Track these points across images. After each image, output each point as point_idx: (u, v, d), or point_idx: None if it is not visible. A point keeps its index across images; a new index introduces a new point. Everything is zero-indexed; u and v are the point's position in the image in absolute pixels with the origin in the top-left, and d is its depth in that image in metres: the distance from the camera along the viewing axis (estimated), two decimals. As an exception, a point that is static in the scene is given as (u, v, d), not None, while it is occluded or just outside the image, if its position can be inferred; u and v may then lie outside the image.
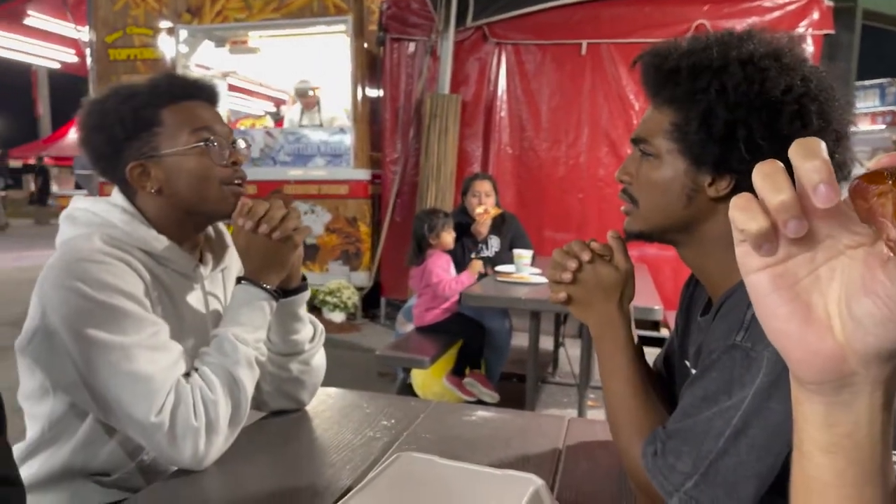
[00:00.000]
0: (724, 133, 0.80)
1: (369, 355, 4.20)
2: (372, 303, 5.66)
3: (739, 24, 3.97)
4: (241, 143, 1.20)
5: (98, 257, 1.03)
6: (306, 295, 1.23)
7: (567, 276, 0.97)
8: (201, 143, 1.13)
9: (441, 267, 3.39)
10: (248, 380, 1.08)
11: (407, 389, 3.45)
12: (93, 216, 1.12)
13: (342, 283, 5.32)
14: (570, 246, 0.98)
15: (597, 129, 4.91)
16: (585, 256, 0.96)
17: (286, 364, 1.23)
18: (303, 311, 1.23)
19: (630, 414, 0.92)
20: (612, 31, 4.77)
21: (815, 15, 4.42)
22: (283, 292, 1.17)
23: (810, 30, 4.42)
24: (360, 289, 5.45)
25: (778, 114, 0.78)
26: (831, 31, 4.45)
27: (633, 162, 0.93)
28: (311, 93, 5.87)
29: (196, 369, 1.06)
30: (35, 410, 1.12)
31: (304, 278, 1.23)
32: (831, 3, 4.43)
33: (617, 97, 4.85)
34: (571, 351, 3.97)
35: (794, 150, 0.37)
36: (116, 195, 1.17)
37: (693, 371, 0.90)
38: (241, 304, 1.11)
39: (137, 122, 1.11)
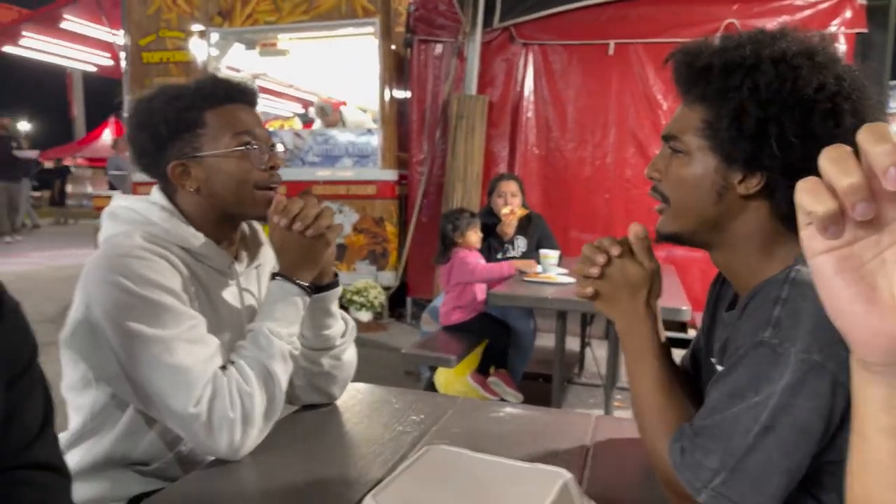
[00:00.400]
0: (756, 130, 0.80)
1: (395, 354, 4.23)
2: (398, 302, 5.70)
3: (770, 23, 3.92)
4: (280, 147, 1.24)
5: (139, 253, 1.06)
6: (338, 291, 1.25)
7: (594, 271, 0.97)
8: (242, 148, 1.16)
9: (472, 257, 3.40)
10: (283, 373, 1.11)
11: (432, 388, 3.47)
12: (134, 214, 1.16)
13: (369, 282, 5.36)
14: (601, 241, 0.98)
15: (624, 129, 4.89)
16: (615, 251, 0.97)
17: (318, 359, 1.26)
18: (334, 306, 1.26)
19: (657, 411, 0.92)
20: (640, 31, 4.74)
21: (848, 13, 4.35)
22: (316, 288, 1.20)
23: (842, 28, 4.35)
24: (386, 288, 5.49)
25: (810, 112, 0.79)
26: (864, 30, 4.37)
27: (663, 159, 0.93)
28: (330, 113, 5.92)
29: (232, 362, 1.09)
30: (78, 401, 1.16)
31: (335, 275, 1.25)
32: (864, 2, 4.36)
33: (644, 97, 4.82)
34: (598, 352, 3.97)
35: (863, 135, 0.38)
36: (156, 193, 1.20)
37: (718, 368, 0.90)
38: (275, 300, 1.14)
39: (181, 123, 1.15)
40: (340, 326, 1.29)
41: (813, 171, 0.78)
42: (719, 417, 0.77)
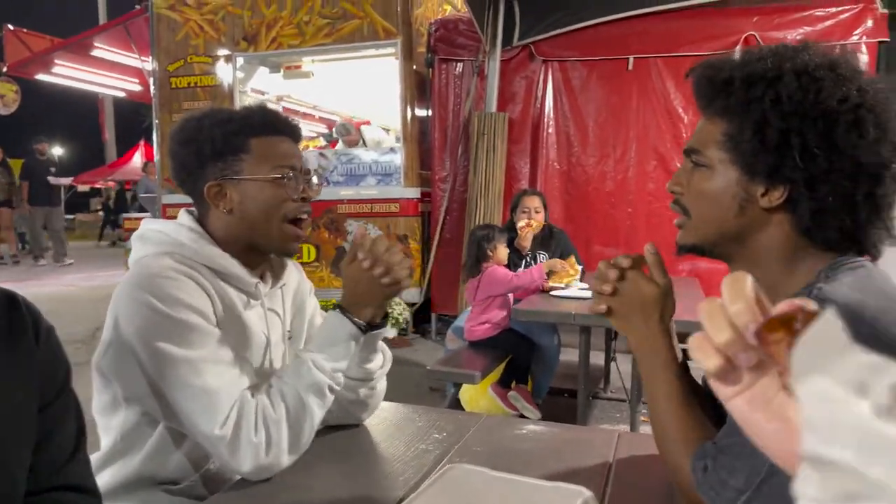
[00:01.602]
0: (779, 142, 0.81)
1: (420, 370, 4.25)
2: (422, 318, 5.72)
3: (791, 35, 3.89)
4: (315, 180, 1.28)
5: (168, 273, 1.09)
6: (386, 330, 1.26)
7: (607, 288, 0.98)
8: (279, 176, 1.19)
9: (502, 270, 3.41)
10: (317, 406, 1.11)
11: (457, 404, 3.48)
12: (162, 236, 1.19)
13: (394, 298, 5.38)
14: (617, 259, 0.99)
15: (645, 143, 4.88)
16: (625, 263, 0.97)
17: (355, 388, 1.27)
18: (380, 343, 1.28)
19: (676, 428, 0.92)
20: (660, 46, 4.75)
21: (869, 23, 4.31)
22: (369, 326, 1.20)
23: (864, 38, 4.30)
24: (410, 304, 5.51)
25: (834, 123, 0.79)
26: (886, 39, 4.33)
27: (685, 173, 0.94)
28: (352, 131, 6.00)
29: (270, 386, 1.11)
30: (108, 422, 1.19)
31: (386, 315, 1.25)
32: (885, 11, 4.32)
33: (665, 111, 4.81)
34: (623, 366, 3.94)
35: (724, 291, 0.41)
36: (183, 216, 1.24)
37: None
38: (329, 333, 1.15)
39: (227, 145, 1.18)
40: (380, 359, 1.30)
41: (835, 182, 0.79)
42: (744, 437, 0.77)
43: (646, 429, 3.19)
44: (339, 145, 6.17)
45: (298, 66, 6.17)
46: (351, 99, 7.46)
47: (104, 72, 9.46)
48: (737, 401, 0.44)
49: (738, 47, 4.45)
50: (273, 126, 1.23)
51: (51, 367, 0.84)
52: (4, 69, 9.68)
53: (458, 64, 5.39)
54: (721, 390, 0.44)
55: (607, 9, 4.82)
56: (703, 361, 0.42)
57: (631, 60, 4.82)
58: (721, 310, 0.42)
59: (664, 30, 4.75)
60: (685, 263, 4.53)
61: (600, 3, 4.83)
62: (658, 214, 4.79)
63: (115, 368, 1.13)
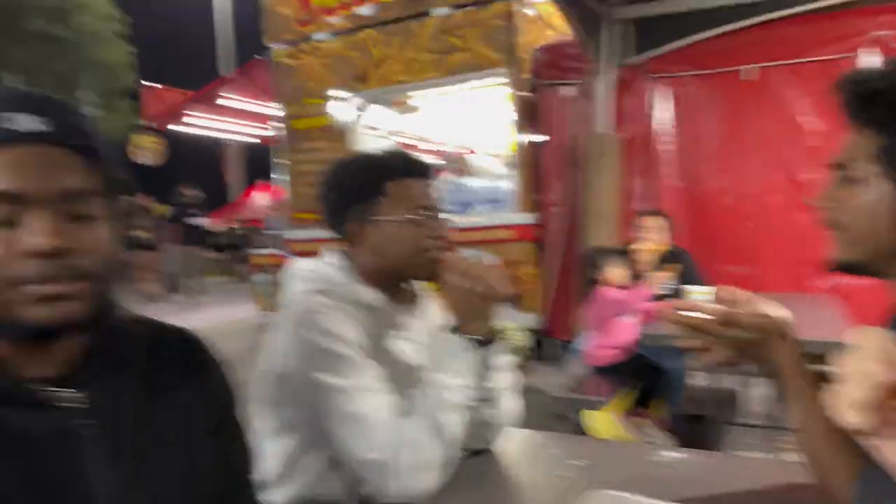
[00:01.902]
0: None
1: (541, 396, 4.22)
2: (539, 343, 5.69)
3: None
4: (443, 217, 1.36)
5: (323, 310, 1.21)
6: (500, 346, 1.31)
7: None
8: (416, 218, 1.29)
9: (611, 293, 3.38)
10: (453, 423, 1.17)
11: (582, 431, 3.43)
12: (313, 274, 1.32)
13: (511, 324, 5.40)
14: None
15: (767, 155, 4.65)
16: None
17: (477, 408, 1.31)
18: (496, 360, 1.32)
19: (826, 458, 0.89)
20: (780, 53, 4.54)
21: None
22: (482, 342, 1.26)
23: None
24: (527, 330, 5.51)
25: None
26: None
27: (834, 188, 0.91)
28: (459, 161, 6.13)
29: (410, 412, 1.18)
30: (270, 449, 1.29)
31: (494, 332, 1.30)
32: None
33: (787, 121, 4.56)
34: (756, 390, 3.75)
35: (857, 345, 0.44)
36: (331, 255, 1.36)
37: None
38: (447, 353, 1.22)
39: (365, 189, 1.31)
40: (501, 378, 1.35)
41: None
42: None
43: (783, 456, 3.01)
44: (447, 175, 6.32)
45: (405, 102, 6.39)
46: (456, 129, 7.62)
47: (229, 118, 10.17)
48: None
49: (863, 49, 4.20)
50: (406, 168, 1.34)
51: (223, 397, 0.94)
52: (146, 123, 10.60)
53: (566, 87, 5.39)
54: (874, 443, 0.45)
55: (719, 21, 4.67)
56: (845, 419, 0.44)
57: (749, 70, 4.64)
58: (857, 367, 0.42)
59: (781, 37, 4.54)
60: (823, 280, 4.25)
61: (710, 16, 4.70)
62: (781, 229, 4.53)
63: (275, 397, 1.24)
